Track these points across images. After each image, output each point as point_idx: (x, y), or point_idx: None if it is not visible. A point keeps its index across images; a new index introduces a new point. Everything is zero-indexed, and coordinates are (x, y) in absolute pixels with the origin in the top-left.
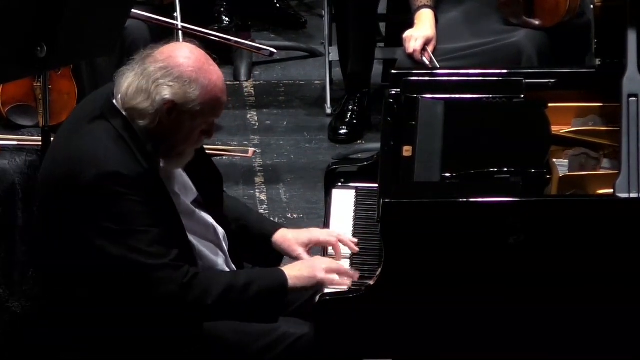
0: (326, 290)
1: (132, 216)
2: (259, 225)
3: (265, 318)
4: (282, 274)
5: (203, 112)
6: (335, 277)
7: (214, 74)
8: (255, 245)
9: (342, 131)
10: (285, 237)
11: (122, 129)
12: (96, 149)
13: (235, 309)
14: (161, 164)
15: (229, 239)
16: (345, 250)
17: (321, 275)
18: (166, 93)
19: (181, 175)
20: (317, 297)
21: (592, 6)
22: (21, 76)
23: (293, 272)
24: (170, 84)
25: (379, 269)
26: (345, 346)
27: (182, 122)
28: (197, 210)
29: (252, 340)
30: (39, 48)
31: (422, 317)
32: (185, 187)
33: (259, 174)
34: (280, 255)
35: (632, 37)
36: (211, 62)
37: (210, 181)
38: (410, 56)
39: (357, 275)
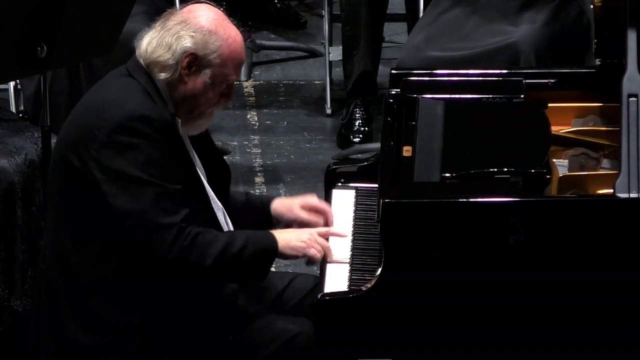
0: (326, 290)
1: (154, 165)
2: (256, 197)
3: (256, 278)
4: (273, 237)
5: (222, 66)
6: (320, 240)
7: (233, 30)
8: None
9: (357, 139)
10: (283, 200)
11: (147, 84)
12: (125, 95)
13: (230, 270)
14: (180, 127)
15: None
16: (345, 256)
17: (305, 236)
18: (187, 43)
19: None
20: (317, 297)
21: (592, 6)
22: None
23: (282, 235)
24: (192, 34)
25: (379, 269)
26: (344, 346)
27: (202, 78)
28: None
29: (249, 337)
30: (39, 48)
31: (421, 317)
32: (198, 165)
33: (259, 174)
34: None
35: (632, 37)
36: (229, 21)
37: (219, 172)
38: None
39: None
